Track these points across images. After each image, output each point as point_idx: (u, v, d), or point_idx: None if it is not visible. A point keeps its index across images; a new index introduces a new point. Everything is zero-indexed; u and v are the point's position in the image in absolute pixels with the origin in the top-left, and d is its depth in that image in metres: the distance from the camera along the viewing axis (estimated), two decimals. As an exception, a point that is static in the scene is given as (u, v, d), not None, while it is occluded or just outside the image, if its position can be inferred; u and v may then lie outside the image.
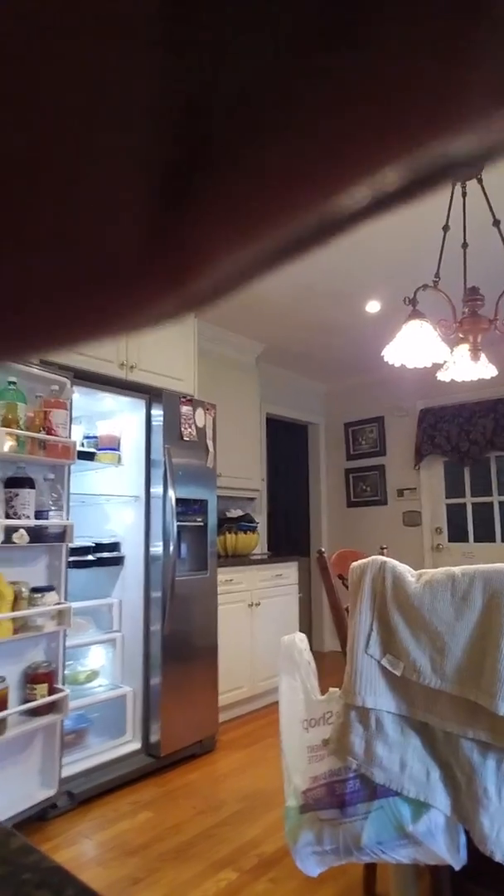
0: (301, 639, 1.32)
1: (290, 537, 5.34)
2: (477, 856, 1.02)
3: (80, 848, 2.15)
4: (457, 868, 1.03)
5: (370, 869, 1.77)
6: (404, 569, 1.13)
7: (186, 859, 2.05)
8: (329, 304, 3.78)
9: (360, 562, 1.18)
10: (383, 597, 1.10)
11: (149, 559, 2.93)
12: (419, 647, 1.05)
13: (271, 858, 2.06)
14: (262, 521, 4.76)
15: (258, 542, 4.24)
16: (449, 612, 1.04)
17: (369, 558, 1.18)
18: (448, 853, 1.02)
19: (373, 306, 3.75)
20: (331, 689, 1.20)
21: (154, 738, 2.78)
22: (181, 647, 2.91)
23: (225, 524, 4.04)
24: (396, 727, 1.05)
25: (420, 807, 1.02)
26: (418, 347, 1.90)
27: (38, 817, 2.29)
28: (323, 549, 2.08)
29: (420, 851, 1.03)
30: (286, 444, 5.59)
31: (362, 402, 5.36)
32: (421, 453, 4.87)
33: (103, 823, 2.31)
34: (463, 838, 1.04)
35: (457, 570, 1.07)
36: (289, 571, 3.99)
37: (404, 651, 1.06)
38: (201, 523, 3.17)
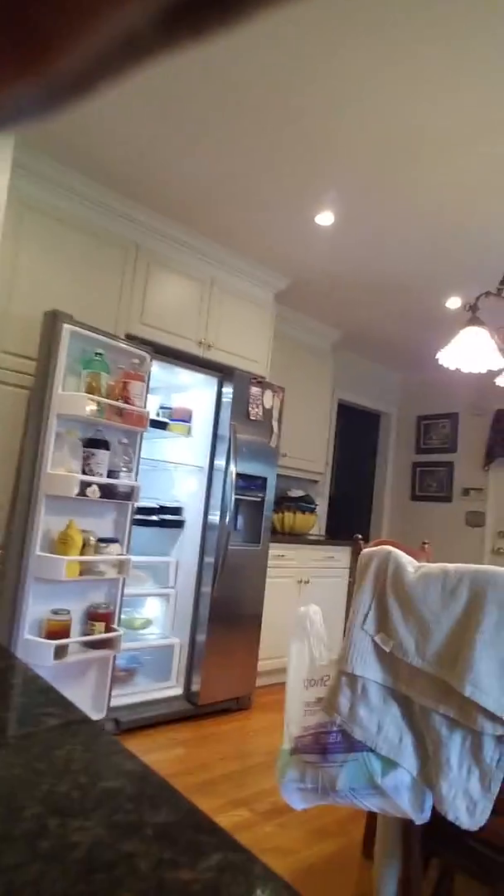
0: (315, 611, 1.48)
1: (349, 523, 5.43)
2: (439, 817, 1.15)
3: (119, 767, 2.46)
4: (417, 822, 1.17)
5: (369, 830, 1.93)
6: (407, 560, 1.25)
7: (208, 793, 2.30)
8: (410, 297, 3.79)
9: (369, 549, 1.32)
10: (384, 582, 1.24)
11: (206, 526, 3.17)
12: (407, 630, 1.18)
13: (284, 808, 2.26)
14: (322, 503, 4.88)
15: (315, 523, 4.38)
16: (437, 603, 1.16)
17: (378, 547, 1.31)
18: (411, 809, 1.16)
19: (453, 302, 3.71)
20: (331, 657, 1.36)
21: (195, 687, 3.06)
22: (227, 610, 3.15)
23: (285, 502, 4.22)
24: (379, 695, 1.20)
25: (390, 764, 1.16)
26: (474, 353, 1.95)
27: (88, 736, 2.62)
28: (360, 536, 2.21)
29: (387, 803, 1.18)
30: (356, 431, 5.64)
31: (437, 397, 5.29)
32: (492, 454, 4.78)
33: (141, 750, 2.61)
34: (429, 801, 1.17)
35: (451, 566, 1.18)
36: (341, 555, 4.11)
37: (395, 631, 1.19)
38: (259, 498, 3.36)
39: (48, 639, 2.34)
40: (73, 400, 2.43)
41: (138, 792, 0.44)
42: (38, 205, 2.66)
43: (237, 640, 3.22)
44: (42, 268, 2.66)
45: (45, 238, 2.68)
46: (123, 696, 2.84)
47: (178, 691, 3.07)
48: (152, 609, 3.27)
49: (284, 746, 1.33)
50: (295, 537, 4.02)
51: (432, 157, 2.35)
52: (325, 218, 2.94)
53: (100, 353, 2.56)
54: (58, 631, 2.38)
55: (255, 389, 3.33)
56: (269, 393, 3.41)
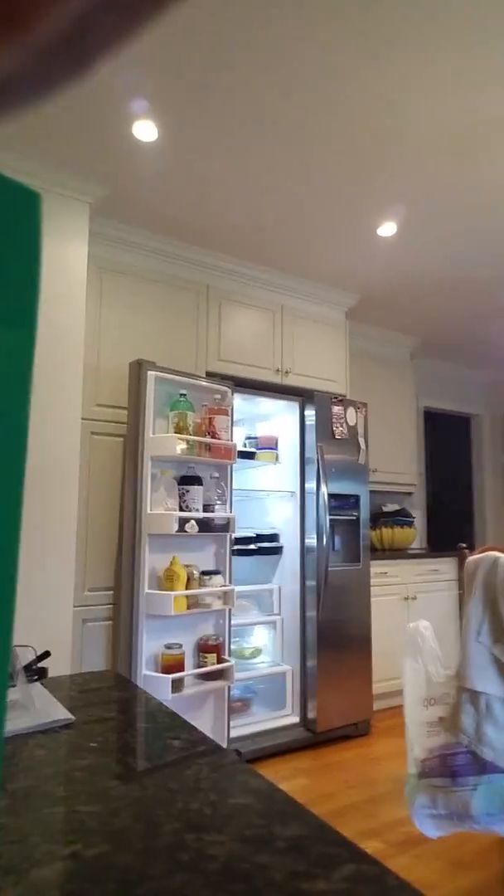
0: (425, 626, 1.43)
1: (452, 533, 5.20)
2: None
3: (245, 798, 2.46)
4: None
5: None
6: (517, 565, 1.19)
7: (336, 824, 2.24)
8: (488, 294, 3.65)
9: (474, 556, 1.27)
10: (494, 589, 1.18)
11: (304, 550, 3.17)
12: (528, 639, 1.12)
13: (418, 838, 2.15)
14: (420, 516, 4.72)
15: (415, 536, 4.24)
16: None
17: (483, 554, 1.26)
18: None
19: (535, 291, 3.53)
20: (448, 673, 1.31)
21: (311, 714, 3.02)
22: (335, 633, 3.10)
23: (380, 518, 4.12)
24: (505, 711, 1.13)
25: (527, 786, 1.09)
26: None
27: (211, 767, 2.66)
28: (464, 545, 2.12)
29: (530, 829, 1.11)
30: (447, 437, 5.44)
31: (532, 391, 5.00)
32: None
33: (265, 782, 2.61)
34: None
35: None
36: (447, 567, 3.93)
37: (513, 642, 1.13)
38: (353, 517, 3.31)
39: (164, 673, 2.42)
40: (164, 441, 2.55)
41: (266, 808, 0.46)
42: (113, 265, 2.86)
43: (349, 663, 3.15)
44: (124, 322, 2.85)
45: (124, 294, 2.87)
46: (242, 727, 2.86)
47: (295, 719, 3.05)
48: (260, 637, 3.29)
49: (411, 771, 1.29)
50: (395, 553, 3.91)
51: (493, 148, 2.29)
52: (387, 229, 2.92)
53: (184, 394, 2.68)
54: (172, 665, 2.46)
55: (336, 409, 3.32)
56: (351, 410, 3.39)
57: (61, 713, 0.67)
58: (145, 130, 2.21)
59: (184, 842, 0.41)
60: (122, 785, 0.50)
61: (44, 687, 0.75)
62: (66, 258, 2.47)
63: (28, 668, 0.73)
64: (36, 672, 0.74)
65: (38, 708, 0.66)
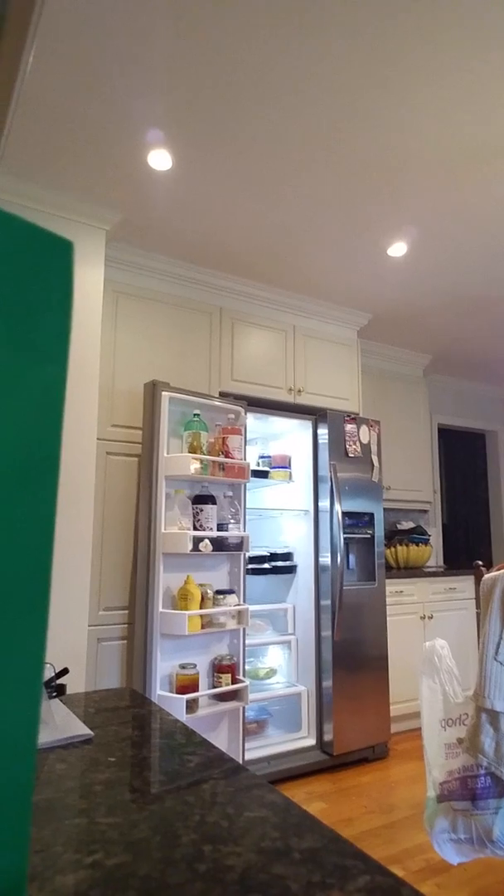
0: (442, 645, 1.42)
1: (469, 551, 5.14)
2: None
3: (261, 823, 2.43)
4: None
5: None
6: (533, 583, 1.19)
7: (355, 850, 2.20)
8: (501, 308, 3.66)
9: (491, 574, 1.27)
10: (510, 608, 1.18)
11: (318, 569, 3.16)
12: (545, 658, 1.11)
13: (439, 866, 2.11)
14: (435, 533, 4.68)
15: (431, 554, 4.20)
16: None
17: (500, 571, 1.25)
18: None
19: (547, 307, 3.53)
20: (466, 693, 1.29)
21: (327, 737, 2.97)
22: (351, 653, 3.07)
23: (395, 536, 4.10)
24: (524, 731, 1.12)
25: (548, 808, 1.07)
26: None
27: (227, 791, 2.63)
28: (480, 562, 2.11)
29: (552, 853, 1.08)
30: (462, 454, 5.41)
31: (547, 408, 4.97)
32: None
33: (282, 806, 2.57)
34: None
35: None
36: (464, 585, 3.89)
37: (531, 660, 1.12)
38: (368, 535, 3.30)
39: (179, 693, 2.41)
40: (178, 461, 2.58)
41: (282, 821, 0.47)
42: (128, 289, 2.93)
43: (365, 684, 3.11)
44: (138, 344, 2.91)
45: (138, 317, 2.93)
46: (257, 749, 2.83)
47: (311, 741, 3.00)
48: (275, 658, 3.26)
49: (430, 794, 1.27)
50: (411, 571, 3.87)
51: (499, 164, 2.33)
52: (397, 249, 2.96)
53: (197, 414, 2.72)
54: (187, 685, 2.45)
55: (349, 427, 3.33)
56: (364, 428, 3.40)
57: (80, 728, 0.68)
58: (160, 159, 2.28)
59: (202, 853, 0.42)
60: (141, 798, 0.51)
61: (62, 703, 0.76)
62: (83, 284, 2.53)
63: (48, 685, 0.75)
64: (55, 688, 0.76)
65: (58, 723, 0.68)
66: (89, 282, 2.55)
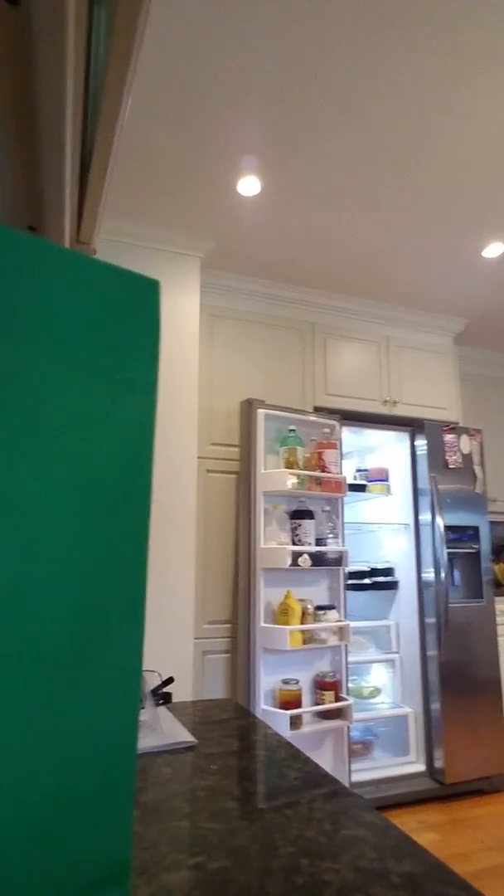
0: None
1: None
2: None
3: (369, 848, 2.35)
4: None
5: None
6: None
7: (472, 887, 2.06)
8: None
9: None
10: None
11: (421, 585, 3.04)
12: None
13: None
14: (553, 549, 4.33)
15: (548, 572, 3.88)
16: None
17: None
18: None
19: None
20: None
21: (438, 763, 2.83)
22: (459, 675, 2.91)
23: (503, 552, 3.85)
24: None
25: None
26: None
27: (333, 812, 2.57)
28: None
29: None
30: None
31: None
32: None
33: (391, 833, 2.47)
34: None
35: None
36: None
37: None
38: (473, 550, 3.13)
39: (282, 709, 2.42)
40: (275, 476, 2.61)
41: (380, 842, 0.46)
42: (223, 312, 3.04)
43: (477, 708, 2.93)
44: (234, 364, 3.00)
45: (233, 338, 3.03)
46: (363, 771, 2.75)
47: (420, 767, 2.87)
48: (379, 676, 3.17)
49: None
50: (526, 590, 3.61)
51: None
52: (493, 249, 2.83)
53: (293, 430, 2.74)
54: (290, 701, 2.45)
55: (449, 437, 3.20)
56: (464, 438, 3.25)
57: (185, 735, 0.71)
58: (249, 185, 2.36)
59: (299, 866, 0.42)
60: (241, 807, 0.52)
61: (169, 710, 0.80)
62: (181, 310, 2.67)
63: (155, 693, 0.79)
64: (161, 696, 0.80)
65: (164, 729, 0.71)
66: (187, 308, 2.68)
